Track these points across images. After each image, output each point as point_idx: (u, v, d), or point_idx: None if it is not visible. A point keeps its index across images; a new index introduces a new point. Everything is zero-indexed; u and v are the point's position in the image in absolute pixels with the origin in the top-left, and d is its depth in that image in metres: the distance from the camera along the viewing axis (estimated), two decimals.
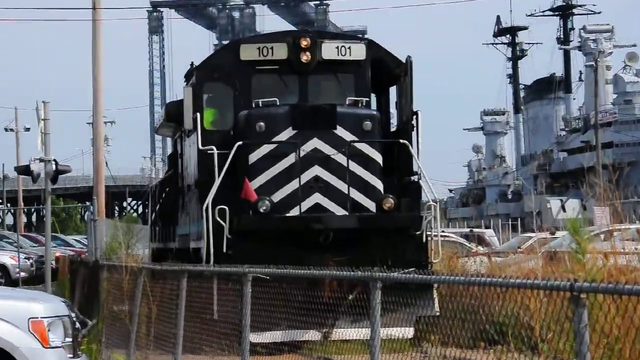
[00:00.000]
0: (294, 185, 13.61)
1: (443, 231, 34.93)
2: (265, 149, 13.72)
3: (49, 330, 8.61)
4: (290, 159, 13.65)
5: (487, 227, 53.33)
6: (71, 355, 8.77)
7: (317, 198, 13.67)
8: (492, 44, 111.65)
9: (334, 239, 13.40)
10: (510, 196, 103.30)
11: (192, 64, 14.79)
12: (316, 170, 13.67)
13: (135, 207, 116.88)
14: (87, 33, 27.04)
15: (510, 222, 67.06)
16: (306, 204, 13.60)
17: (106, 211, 27.11)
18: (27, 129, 58.34)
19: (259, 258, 10.91)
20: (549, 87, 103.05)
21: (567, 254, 10.12)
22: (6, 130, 61.65)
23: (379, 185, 13.80)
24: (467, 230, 35.29)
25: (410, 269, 7.77)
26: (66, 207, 77.89)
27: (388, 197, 13.61)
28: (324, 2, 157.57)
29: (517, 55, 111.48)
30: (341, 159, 13.73)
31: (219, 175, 13.35)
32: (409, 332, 8.81)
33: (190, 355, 10.88)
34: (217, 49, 14.07)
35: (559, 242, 18.31)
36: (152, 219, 21.28)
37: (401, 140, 14.06)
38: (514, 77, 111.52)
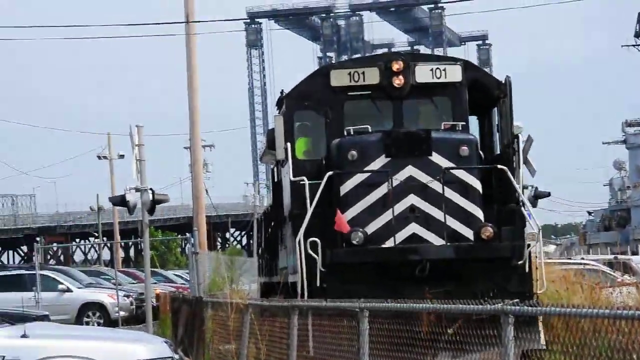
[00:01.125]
0: (388, 215, 14.15)
1: (583, 258, 34.06)
2: (358, 178, 14.28)
3: None
4: (384, 188, 14.17)
5: (634, 253, 51.94)
6: None
7: (413, 228, 14.21)
8: (634, 45, 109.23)
9: (431, 270, 13.87)
10: None
11: (282, 92, 15.58)
12: (412, 199, 14.22)
13: (239, 238, 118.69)
14: (182, 51, 27.77)
15: None
16: (402, 235, 14.13)
17: (208, 243, 27.64)
18: (122, 156, 59.61)
19: (353, 292, 11.44)
20: None
21: None
22: (99, 157, 63.09)
23: (478, 213, 14.30)
24: (611, 256, 34.48)
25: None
26: (165, 239, 79.67)
27: (487, 225, 14.12)
28: (439, 4, 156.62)
29: None
30: (437, 186, 14.16)
31: (310, 207, 14.00)
32: None
33: None
34: (307, 75, 15.23)
35: None
36: (259, 252, 21.63)
37: (499, 166, 14.57)
38: None
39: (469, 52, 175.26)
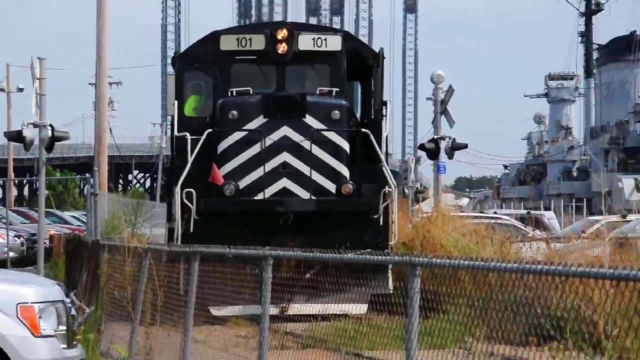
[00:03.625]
0: (260, 171, 16.21)
1: (495, 212, 34.81)
2: (236, 136, 16.27)
3: (40, 317, 8.69)
4: (258, 146, 16.25)
5: (546, 209, 53.11)
6: (65, 346, 8.86)
7: (284, 183, 16.28)
8: None
9: (295, 221, 15.99)
10: (575, 174, 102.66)
11: (175, 53, 18.11)
12: (285, 157, 16.29)
13: (142, 181, 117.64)
14: None
15: (574, 204, 66.73)
16: (273, 189, 16.26)
17: (109, 185, 27.31)
18: (21, 90, 58.56)
19: (224, 239, 12.63)
20: (628, 48, 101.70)
21: None
22: None
23: (344, 171, 16.39)
24: (524, 211, 35.18)
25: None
26: (63, 179, 78.56)
27: (348, 182, 16.25)
28: None
29: (591, 9, 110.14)
30: (309, 146, 16.23)
31: (189, 160, 15.94)
32: (362, 308, 10.66)
33: (201, 348, 10.98)
34: (199, 39, 17.96)
35: (631, 226, 18.22)
36: (164, 197, 22.15)
37: (363, 130, 16.59)
38: (586, 36, 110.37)
39: None
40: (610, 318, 5.73)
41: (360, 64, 17.10)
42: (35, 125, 20.51)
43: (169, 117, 17.77)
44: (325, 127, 16.31)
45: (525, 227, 25.86)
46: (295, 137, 16.30)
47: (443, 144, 27.59)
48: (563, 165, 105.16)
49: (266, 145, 16.19)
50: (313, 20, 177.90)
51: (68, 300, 9.34)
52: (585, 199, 70.25)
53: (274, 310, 10.52)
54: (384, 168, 16.57)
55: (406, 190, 37.91)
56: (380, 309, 8.01)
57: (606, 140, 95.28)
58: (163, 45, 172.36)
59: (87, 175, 27.12)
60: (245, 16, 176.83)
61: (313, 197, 16.23)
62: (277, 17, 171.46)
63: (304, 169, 16.28)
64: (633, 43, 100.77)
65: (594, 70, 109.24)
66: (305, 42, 16.92)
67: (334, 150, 16.39)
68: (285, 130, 16.29)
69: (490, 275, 6.96)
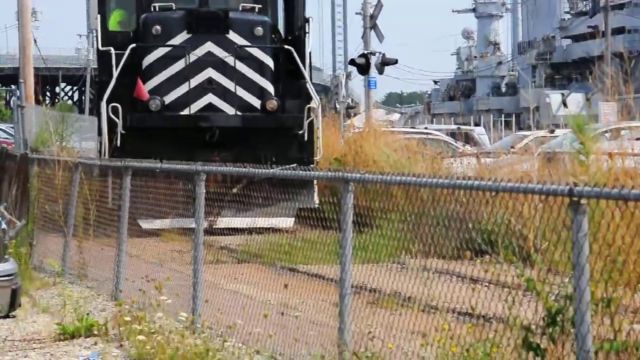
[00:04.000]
0: (186, 86, 16.48)
1: (426, 128, 35.20)
2: (160, 52, 16.52)
3: None
4: (183, 62, 16.54)
5: (476, 124, 53.67)
6: None
7: (210, 99, 16.60)
8: None
9: (222, 136, 16.33)
10: (504, 89, 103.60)
11: None
12: (210, 73, 16.60)
13: (70, 94, 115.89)
14: None
15: (503, 119, 67.53)
16: (199, 104, 16.54)
17: (36, 97, 26.86)
18: None
19: (150, 154, 12.89)
20: None
21: (567, 155, 10.24)
22: None
23: (269, 87, 16.75)
24: (454, 127, 35.51)
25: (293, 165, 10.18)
26: None
27: (272, 98, 16.58)
28: None
29: None
30: (232, 62, 16.54)
31: (113, 75, 16.26)
32: (289, 222, 11.08)
33: (136, 263, 11.01)
34: None
35: (558, 141, 18.51)
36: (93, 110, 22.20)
37: (285, 47, 16.95)
38: None
39: None
40: (540, 232, 5.86)
41: None
42: None
43: (94, 31, 17.72)
44: (249, 44, 16.61)
45: (455, 142, 26.13)
46: (220, 53, 16.62)
47: (373, 59, 27.61)
48: (492, 80, 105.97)
49: (191, 60, 16.46)
50: None
51: None
52: (514, 114, 71.07)
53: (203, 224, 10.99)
54: (307, 84, 16.90)
55: (337, 106, 37.98)
56: (312, 224, 8.10)
57: (533, 55, 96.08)
58: None
59: (13, 87, 26.65)
60: None
61: (238, 113, 16.56)
62: None
63: (229, 84, 16.59)
64: None
65: None
66: None
67: (258, 66, 16.76)
68: (210, 47, 16.62)
69: (422, 190, 7.06)
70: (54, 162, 13.46)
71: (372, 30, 27.90)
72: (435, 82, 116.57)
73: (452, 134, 29.33)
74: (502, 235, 6.18)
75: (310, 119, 16.81)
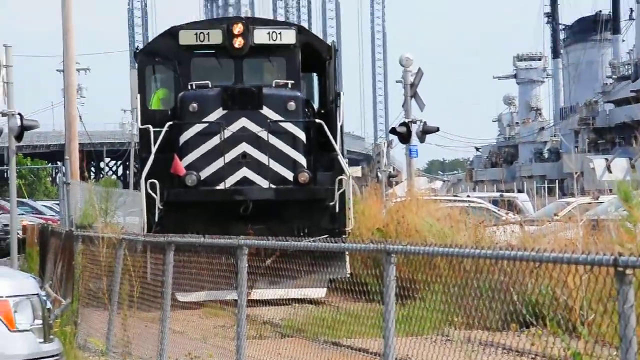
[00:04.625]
0: (221, 161, 17.21)
1: (468, 195, 34.93)
2: (196, 128, 17.25)
3: (15, 312, 8.63)
4: (218, 137, 17.25)
5: (519, 191, 53.34)
6: (41, 340, 8.80)
7: (244, 172, 17.29)
8: None
9: (255, 209, 16.96)
10: (546, 155, 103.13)
11: (136, 48, 19.14)
12: (244, 147, 17.30)
13: (114, 168, 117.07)
14: None
15: (546, 185, 67.07)
16: (234, 178, 17.24)
17: (81, 173, 27.19)
18: None
19: (187, 228, 13.76)
20: (594, 27, 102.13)
21: (613, 222, 10.11)
22: None
23: (302, 160, 17.42)
24: (497, 194, 35.32)
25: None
26: (34, 167, 78.06)
27: (304, 171, 17.24)
28: None
29: None
30: (266, 136, 17.22)
31: (152, 152, 17.01)
32: (321, 292, 11.25)
33: (179, 339, 10.97)
34: (158, 34, 19.83)
35: (603, 208, 18.32)
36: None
37: (317, 120, 17.64)
38: (552, 16, 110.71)
39: None
40: (585, 303, 5.77)
41: (314, 56, 18.23)
42: (3, 114, 20.39)
43: (135, 109, 18.93)
44: (281, 118, 17.27)
45: (498, 210, 25.98)
46: (254, 128, 17.24)
47: (414, 127, 27.64)
48: (534, 146, 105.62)
49: (225, 136, 17.19)
50: (280, 4, 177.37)
51: (43, 293, 9.29)
52: (557, 181, 70.61)
53: (235, 296, 11.16)
54: (338, 157, 17.55)
55: (379, 175, 37.96)
56: (355, 297, 8.04)
57: (575, 121, 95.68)
58: (130, 30, 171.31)
59: (59, 163, 26.99)
60: (212, 0, 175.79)
61: (272, 186, 17.15)
62: (244, 1, 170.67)
63: (263, 158, 17.22)
64: (599, 23, 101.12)
65: (561, 51, 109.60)
66: (261, 36, 17.93)
67: (290, 140, 17.36)
68: (244, 122, 17.25)
69: (466, 261, 7.00)
70: (99, 239, 13.53)
71: (413, 98, 27.97)
72: (477, 149, 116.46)
73: (495, 202, 29.16)
74: (547, 306, 6.08)
75: (341, 190, 17.37)
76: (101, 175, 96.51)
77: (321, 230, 16.59)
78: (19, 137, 20.45)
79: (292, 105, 17.41)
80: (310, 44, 18.40)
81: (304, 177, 17.20)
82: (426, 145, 29.29)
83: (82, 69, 66.49)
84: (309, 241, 8.83)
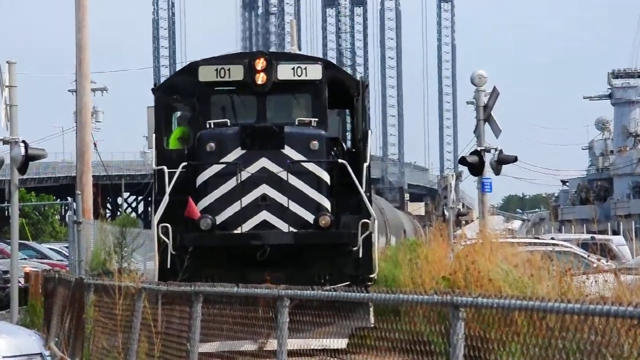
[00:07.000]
0: (238, 205, 18.11)
1: (553, 238, 34.75)
2: (214, 169, 18.24)
3: None
4: (235, 179, 18.10)
5: (614, 233, 53.00)
6: None
7: (264, 215, 18.19)
8: None
9: (274, 254, 17.78)
10: None
11: (155, 84, 20.64)
12: (264, 189, 18.24)
13: (134, 205, 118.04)
14: None
15: None
16: (253, 222, 18.18)
17: (95, 210, 27.42)
18: None
19: (200, 275, 14.59)
20: None
21: None
22: None
23: (324, 202, 18.39)
24: (587, 236, 35.12)
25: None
26: (40, 204, 78.93)
27: (325, 214, 18.19)
28: None
29: None
30: (286, 176, 18.13)
31: (165, 194, 17.94)
32: (343, 343, 11.55)
33: None
34: (177, 70, 21.57)
35: None
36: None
37: (340, 161, 18.60)
38: None
39: None
40: None
41: (342, 92, 19.25)
42: (5, 141, 20.64)
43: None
44: (304, 158, 18.31)
45: (589, 255, 25.79)
46: (274, 168, 18.28)
47: (488, 157, 27.58)
48: (632, 179, 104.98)
49: (244, 178, 18.16)
50: (331, 12, 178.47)
51: (47, 352, 9.36)
52: None
53: (252, 347, 11.59)
54: (363, 198, 18.48)
55: (446, 213, 37.92)
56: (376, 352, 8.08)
57: None
58: (155, 44, 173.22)
59: (69, 199, 27.27)
60: (250, 7, 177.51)
61: (291, 230, 18.16)
62: (288, 9, 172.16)
63: (283, 200, 18.22)
64: None
65: None
66: (285, 71, 19.00)
67: (312, 181, 18.41)
68: (264, 162, 18.29)
69: (549, 316, 6.96)
70: (114, 288, 13.60)
71: (487, 122, 27.90)
72: (564, 182, 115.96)
73: (585, 245, 28.96)
74: None
75: (365, 234, 18.20)
76: (118, 213, 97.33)
77: (344, 277, 17.83)
78: (22, 169, 20.73)
79: (315, 144, 18.43)
80: (337, 80, 19.42)
81: (325, 220, 18.15)
82: (502, 177, 29.29)
83: (98, 89, 67.37)
84: (356, 291, 9.06)
